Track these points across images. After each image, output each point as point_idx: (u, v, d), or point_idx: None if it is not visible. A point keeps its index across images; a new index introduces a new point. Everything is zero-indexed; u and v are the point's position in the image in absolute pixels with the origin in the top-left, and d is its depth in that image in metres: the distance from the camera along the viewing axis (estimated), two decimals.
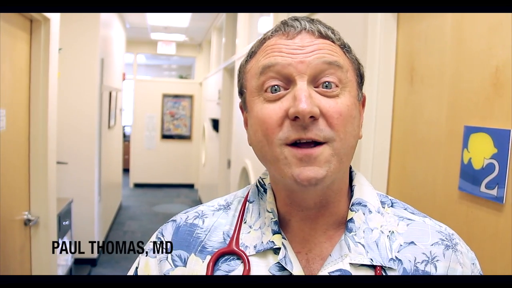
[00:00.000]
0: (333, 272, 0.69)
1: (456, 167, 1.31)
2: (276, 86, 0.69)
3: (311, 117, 0.65)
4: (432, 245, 0.74)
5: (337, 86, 0.69)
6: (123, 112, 7.79)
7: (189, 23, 7.25)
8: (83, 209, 4.60)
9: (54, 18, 2.82)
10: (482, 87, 1.22)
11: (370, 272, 0.70)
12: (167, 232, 0.81)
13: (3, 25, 2.27)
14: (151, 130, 9.58)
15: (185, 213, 0.83)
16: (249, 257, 0.73)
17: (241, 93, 0.77)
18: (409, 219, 0.77)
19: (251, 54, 0.75)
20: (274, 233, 0.73)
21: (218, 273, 0.73)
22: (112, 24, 5.86)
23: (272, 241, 0.72)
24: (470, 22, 1.29)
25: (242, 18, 4.60)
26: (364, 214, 0.74)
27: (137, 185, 9.55)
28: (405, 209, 0.80)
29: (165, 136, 9.67)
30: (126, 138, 10.10)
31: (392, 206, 0.79)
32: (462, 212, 1.29)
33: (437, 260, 0.73)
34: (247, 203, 0.80)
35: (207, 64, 8.67)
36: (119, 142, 7.36)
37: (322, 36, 0.71)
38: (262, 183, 0.81)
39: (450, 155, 1.36)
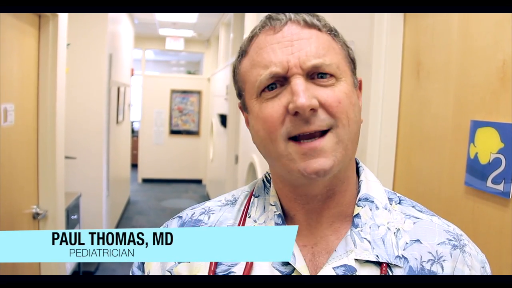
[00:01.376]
0: (337, 267, 0.69)
1: (462, 162, 1.30)
2: (272, 85, 0.69)
3: (312, 109, 0.66)
4: (438, 244, 0.72)
5: (332, 75, 0.69)
6: (132, 107, 7.82)
7: (197, 18, 7.25)
8: (91, 203, 4.63)
9: (62, 13, 2.83)
10: (489, 81, 1.21)
11: (375, 269, 0.69)
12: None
13: (12, 20, 2.28)
14: (159, 126, 9.60)
15: (191, 209, 0.83)
16: None
17: (240, 95, 0.77)
18: (416, 218, 0.75)
19: (243, 53, 0.75)
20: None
21: (220, 267, 0.73)
22: (120, 20, 5.87)
23: None
24: (476, 17, 1.28)
25: (250, 13, 4.59)
26: (371, 210, 0.73)
27: (145, 180, 9.59)
28: (413, 207, 0.78)
29: (173, 132, 9.68)
30: (134, 133, 10.13)
31: (399, 203, 0.78)
32: (468, 207, 1.29)
33: (444, 260, 0.71)
34: (253, 197, 0.80)
35: (215, 60, 8.66)
36: (127, 137, 7.39)
37: (308, 25, 0.71)
38: (269, 178, 0.81)
39: (456, 150, 1.35)
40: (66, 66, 3.03)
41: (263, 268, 0.71)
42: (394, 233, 0.72)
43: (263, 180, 0.82)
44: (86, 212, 4.44)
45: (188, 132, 9.73)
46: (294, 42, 0.69)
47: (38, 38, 2.68)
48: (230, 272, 0.73)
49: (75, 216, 3.77)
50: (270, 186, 0.79)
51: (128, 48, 6.98)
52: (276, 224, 0.73)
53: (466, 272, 0.71)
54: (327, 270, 0.69)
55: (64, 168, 3.07)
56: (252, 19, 4.54)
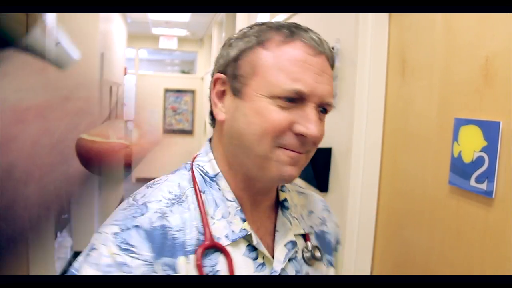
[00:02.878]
0: (287, 243, 0.83)
1: (446, 160, 1.29)
2: (292, 98, 0.73)
3: None
4: (321, 211, 0.98)
5: (327, 112, 0.79)
6: (125, 106, 7.78)
7: (190, 17, 7.23)
8: (82, 203, 4.59)
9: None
10: (472, 78, 1.20)
11: (302, 240, 0.88)
12: (134, 240, 0.71)
13: None
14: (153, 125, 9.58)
15: (141, 215, 0.74)
16: (225, 247, 0.76)
17: (234, 76, 0.77)
18: (304, 193, 0.98)
19: (261, 42, 0.76)
20: (244, 220, 0.79)
21: (205, 269, 0.74)
22: (112, 19, 5.84)
23: (245, 229, 0.78)
24: (459, 14, 1.27)
25: (242, 13, 4.58)
26: (289, 192, 0.91)
27: (139, 179, 9.56)
28: (299, 186, 1.00)
29: (167, 131, 9.67)
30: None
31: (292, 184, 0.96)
32: (452, 207, 1.28)
33: (326, 221, 0.97)
34: (201, 194, 0.79)
35: (209, 59, 8.65)
36: None
37: (331, 64, 0.79)
38: (205, 170, 0.82)
39: (440, 148, 1.34)
40: None
41: (237, 260, 0.77)
42: (302, 209, 0.93)
43: (201, 175, 0.82)
44: (77, 211, 4.41)
45: (182, 131, 9.71)
46: (324, 74, 0.75)
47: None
48: (217, 271, 0.75)
49: (66, 215, 3.75)
50: (211, 180, 0.81)
51: (121, 47, 6.95)
52: (241, 218, 0.79)
53: (333, 225, 0.98)
54: (281, 247, 0.82)
55: None
56: (244, 18, 4.52)
